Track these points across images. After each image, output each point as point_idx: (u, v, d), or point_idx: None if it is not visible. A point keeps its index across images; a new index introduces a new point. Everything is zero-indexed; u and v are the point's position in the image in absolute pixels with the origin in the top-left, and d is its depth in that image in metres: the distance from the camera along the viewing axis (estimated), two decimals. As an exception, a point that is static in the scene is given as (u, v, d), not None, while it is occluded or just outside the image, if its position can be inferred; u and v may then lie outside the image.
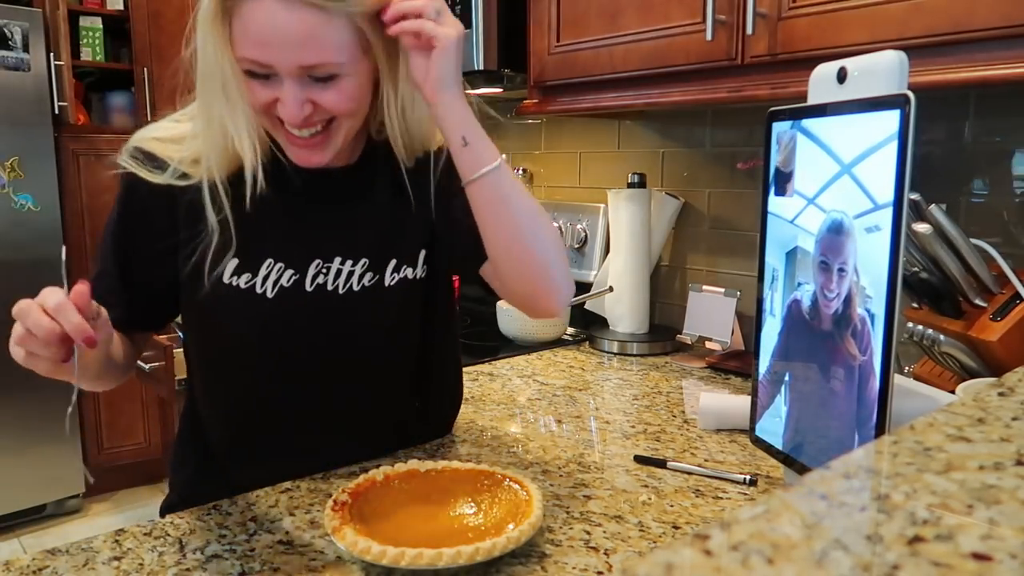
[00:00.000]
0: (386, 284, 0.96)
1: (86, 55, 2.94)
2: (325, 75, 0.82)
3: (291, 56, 0.79)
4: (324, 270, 0.93)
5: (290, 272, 0.92)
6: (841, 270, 0.74)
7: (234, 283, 0.91)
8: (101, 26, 2.95)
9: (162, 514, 0.93)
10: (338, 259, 0.94)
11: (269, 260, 0.92)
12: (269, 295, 0.92)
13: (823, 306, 0.77)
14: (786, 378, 0.85)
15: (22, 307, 0.70)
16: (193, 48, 0.85)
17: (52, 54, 2.70)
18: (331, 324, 0.95)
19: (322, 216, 0.94)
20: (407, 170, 0.95)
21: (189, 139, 0.89)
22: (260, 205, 0.89)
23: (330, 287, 0.93)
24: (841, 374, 0.75)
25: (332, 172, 0.93)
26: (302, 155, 0.87)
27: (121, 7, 2.95)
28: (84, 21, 2.91)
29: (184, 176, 0.89)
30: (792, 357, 0.84)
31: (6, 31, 2.60)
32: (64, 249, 0.88)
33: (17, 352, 0.72)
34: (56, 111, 2.74)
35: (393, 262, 0.96)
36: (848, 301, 0.73)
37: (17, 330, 0.71)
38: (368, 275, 0.95)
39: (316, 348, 0.94)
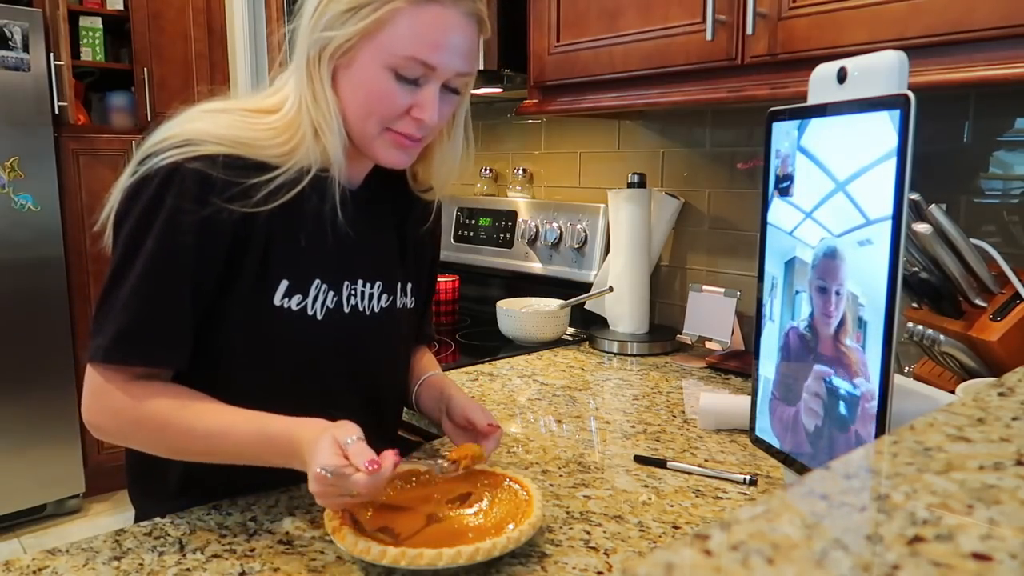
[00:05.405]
0: (397, 305, 1.00)
1: (86, 55, 2.94)
2: (460, 86, 0.88)
3: (457, 62, 0.84)
4: (353, 291, 0.93)
5: (332, 293, 0.91)
6: (838, 292, 0.75)
7: (285, 305, 0.87)
8: (101, 26, 2.95)
9: (142, 516, 0.88)
10: (361, 280, 0.95)
11: (317, 280, 0.89)
12: (319, 317, 0.89)
13: (822, 325, 0.78)
14: (785, 381, 0.85)
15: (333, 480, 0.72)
16: (321, 39, 0.83)
17: (52, 54, 2.70)
18: (364, 345, 0.95)
19: (349, 236, 0.92)
20: (412, 203, 1.00)
21: (275, 144, 0.84)
22: (310, 222, 0.88)
23: (359, 308, 0.94)
24: (840, 375, 0.75)
25: (356, 192, 0.95)
26: (398, 156, 0.89)
27: (121, 7, 2.95)
28: (84, 21, 2.91)
29: (270, 196, 0.82)
30: (794, 377, 0.84)
31: (6, 31, 2.59)
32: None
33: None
34: (56, 111, 2.73)
35: (399, 285, 1.00)
36: (843, 316, 0.75)
37: (324, 491, 0.73)
38: (384, 296, 0.97)
39: (350, 368, 0.94)
